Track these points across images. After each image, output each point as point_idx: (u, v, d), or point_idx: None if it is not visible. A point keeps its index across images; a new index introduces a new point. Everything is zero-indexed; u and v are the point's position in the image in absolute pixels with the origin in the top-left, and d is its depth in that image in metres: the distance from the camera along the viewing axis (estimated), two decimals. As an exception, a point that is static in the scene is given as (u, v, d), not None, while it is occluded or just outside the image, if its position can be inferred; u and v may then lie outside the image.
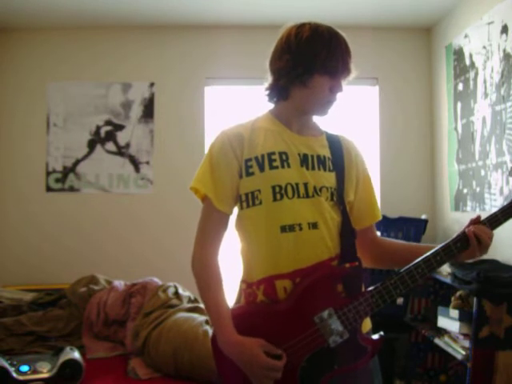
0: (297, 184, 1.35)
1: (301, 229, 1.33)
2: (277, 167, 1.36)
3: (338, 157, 1.44)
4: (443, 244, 1.36)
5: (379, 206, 1.54)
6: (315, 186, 1.37)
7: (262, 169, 1.36)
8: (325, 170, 1.40)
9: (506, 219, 1.36)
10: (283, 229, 1.34)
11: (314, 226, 1.34)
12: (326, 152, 1.43)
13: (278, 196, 1.34)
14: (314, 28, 1.38)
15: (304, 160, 1.38)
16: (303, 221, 1.34)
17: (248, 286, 1.39)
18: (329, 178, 1.39)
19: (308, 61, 1.35)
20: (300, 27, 1.39)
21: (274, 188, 1.35)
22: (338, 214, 1.40)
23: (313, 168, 1.38)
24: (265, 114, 1.47)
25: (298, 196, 1.35)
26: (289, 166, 1.36)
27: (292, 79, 1.38)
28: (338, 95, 1.41)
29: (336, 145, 1.46)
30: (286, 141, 1.40)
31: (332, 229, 1.37)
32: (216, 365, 1.38)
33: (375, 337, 1.35)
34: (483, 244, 1.34)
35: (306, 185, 1.36)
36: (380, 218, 1.54)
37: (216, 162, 1.38)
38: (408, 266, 1.33)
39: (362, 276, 1.38)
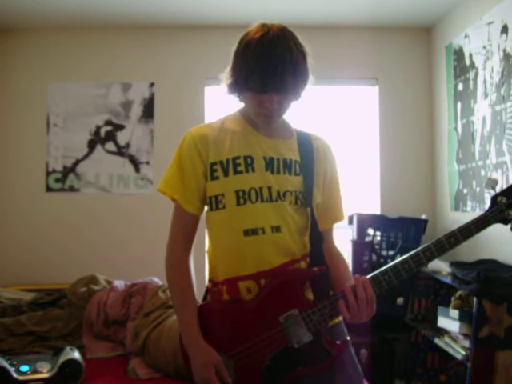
0: (261, 188, 1.36)
1: (264, 232, 1.35)
2: (241, 172, 1.36)
3: (307, 159, 1.42)
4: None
5: (342, 207, 1.51)
6: (279, 191, 1.37)
7: (226, 173, 1.36)
8: (290, 173, 1.39)
9: (428, 260, 1.30)
10: (246, 232, 1.35)
11: (277, 229, 1.36)
12: (293, 155, 1.42)
13: (242, 200, 1.35)
14: (250, 37, 1.32)
15: (269, 164, 1.38)
16: (266, 224, 1.35)
17: (214, 284, 1.43)
18: (294, 182, 1.39)
19: (236, 75, 1.34)
20: (246, 33, 1.36)
21: (237, 193, 1.36)
22: (302, 217, 1.40)
23: (278, 172, 1.38)
24: (235, 113, 1.47)
25: (262, 200, 1.36)
26: (253, 170, 1.36)
27: (231, 90, 1.38)
28: (277, 108, 1.33)
29: (306, 146, 1.44)
30: (252, 144, 1.39)
31: (295, 232, 1.38)
32: (184, 361, 1.41)
33: (339, 342, 1.35)
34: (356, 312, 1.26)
35: (269, 189, 1.36)
36: (341, 219, 1.52)
37: (183, 165, 1.41)
38: (376, 272, 1.31)
39: (329, 280, 1.38)
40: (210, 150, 1.38)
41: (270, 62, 1.26)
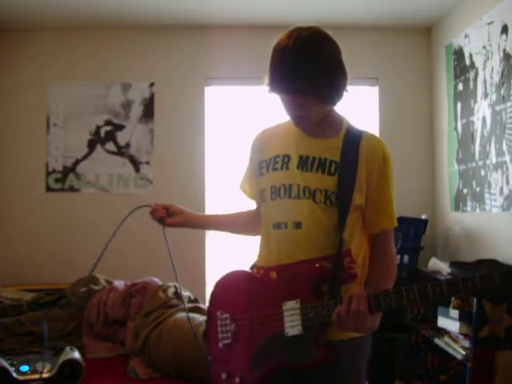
0: (290, 185, 1.43)
1: (286, 227, 1.42)
2: (277, 169, 1.46)
3: (348, 159, 1.40)
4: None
5: (393, 213, 1.45)
6: (309, 188, 1.40)
7: (267, 170, 1.49)
8: (323, 172, 1.40)
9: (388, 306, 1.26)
10: (274, 226, 1.45)
11: (298, 225, 1.41)
12: (332, 155, 1.41)
13: (274, 196, 1.45)
14: (276, 42, 1.37)
15: (303, 162, 1.43)
16: (289, 220, 1.41)
17: (257, 268, 1.54)
18: (326, 182, 1.40)
19: (268, 79, 1.40)
20: (278, 39, 1.38)
21: (272, 188, 1.46)
22: (331, 217, 1.39)
23: (311, 170, 1.42)
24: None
25: (289, 197, 1.42)
26: (287, 168, 1.44)
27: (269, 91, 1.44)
28: (296, 107, 1.37)
29: (351, 147, 1.41)
30: (292, 143, 1.46)
31: (318, 231, 1.39)
32: None
33: (326, 349, 1.34)
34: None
35: (298, 186, 1.41)
36: (389, 227, 1.46)
37: (248, 163, 1.63)
38: (379, 291, 1.28)
39: (341, 282, 1.37)
40: (261, 150, 1.54)
41: (283, 64, 1.32)
